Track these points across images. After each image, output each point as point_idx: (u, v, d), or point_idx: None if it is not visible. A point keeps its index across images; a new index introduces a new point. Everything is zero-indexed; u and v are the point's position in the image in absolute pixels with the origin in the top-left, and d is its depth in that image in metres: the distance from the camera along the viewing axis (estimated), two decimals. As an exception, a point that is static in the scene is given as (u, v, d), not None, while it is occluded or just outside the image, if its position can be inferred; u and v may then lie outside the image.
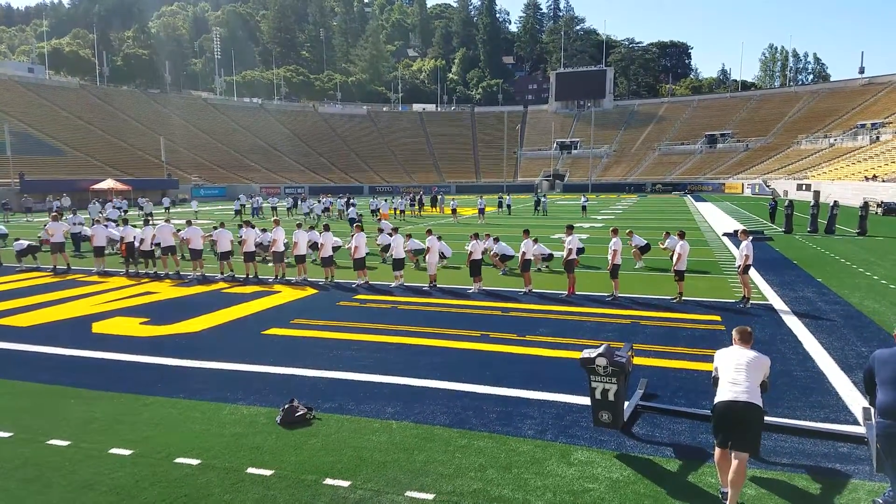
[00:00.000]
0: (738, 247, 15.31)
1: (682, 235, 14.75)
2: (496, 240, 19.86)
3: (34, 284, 17.49)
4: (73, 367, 9.75)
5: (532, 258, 17.18)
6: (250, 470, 6.25)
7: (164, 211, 48.80)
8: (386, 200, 45.44)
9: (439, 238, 20.49)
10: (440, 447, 6.76)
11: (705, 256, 21.48)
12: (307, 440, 6.95)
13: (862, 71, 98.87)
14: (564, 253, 15.23)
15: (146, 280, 18.07)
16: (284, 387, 8.67)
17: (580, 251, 19.73)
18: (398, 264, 16.88)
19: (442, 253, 20.19)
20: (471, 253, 15.94)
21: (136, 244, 19.16)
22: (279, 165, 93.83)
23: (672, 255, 15.24)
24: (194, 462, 6.43)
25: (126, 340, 11.36)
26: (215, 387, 8.74)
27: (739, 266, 13.88)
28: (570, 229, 15.54)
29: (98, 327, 12.33)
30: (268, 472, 6.19)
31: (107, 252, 20.98)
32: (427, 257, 16.69)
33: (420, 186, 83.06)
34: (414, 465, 6.35)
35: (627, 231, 20.49)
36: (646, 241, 20.51)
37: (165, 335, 11.72)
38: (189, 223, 19.01)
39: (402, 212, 44.05)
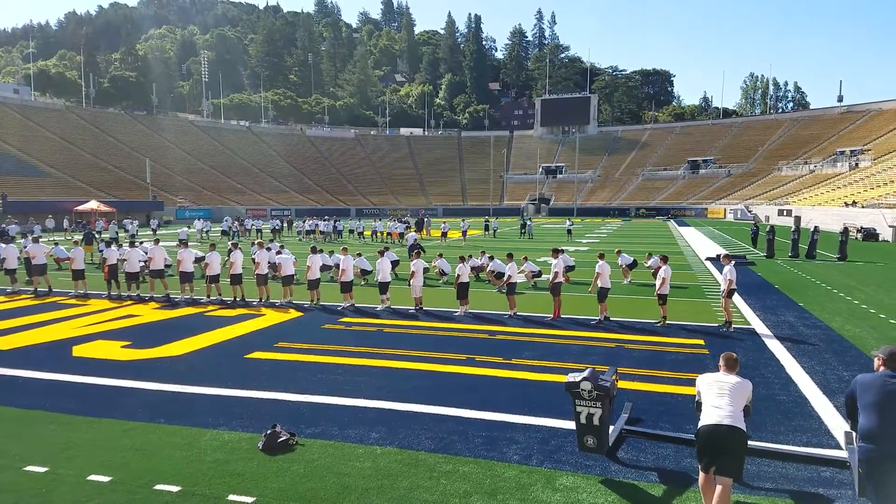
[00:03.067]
0: (720, 271, 15.45)
1: (664, 259, 14.86)
2: (490, 258, 20.18)
3: (14, 307, 17.24)
4: (53, 392, 9.58)
5: (522, 279, 17.51)
6: (231, 497, 6.16)
7: (151, 232, 48.57)
8: (402, 222, 45.81)
9: (440, 255, 21.18)
10: (425, 473, 6.70)
11: (689, 281, 21.63)
12: (289, 466, 6.86)
13: (840, 99, 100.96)
14: (551, 276, 15.30)
15: (129, 303, 17.88)
16: (267, 412, 8.57)
17: (570, 268, 20.17)
18: (383, 287, 16.83)
19: (442, 270, 20.70)
20: (458, 276, 15.96)
21: (120, 266, 19.00)
22: (266, 187, 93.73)
23: (655, 276, 15.34)
24: (174, 489, 6.32)
25: (107, 364, 11.19)
26: (196, 412, 8.63)
27: (724, 290, 13.99)
28: (556, 252, 15.66)
29: (78, 351, 12.15)
30: (249, 500, 6.10)
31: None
32: (411, 280, 16.65)
33: (407, 209, 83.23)
34: (398, 491, 6.28)
35: (616, 251, 21.10)
36: (633, 259, 21.26)
37: (147, 359, 11.57)
38: (185, 245, 18.93)
39: (402, 235, 43.52)
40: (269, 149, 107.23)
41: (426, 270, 21.30)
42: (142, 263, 19.47)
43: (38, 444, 7.53)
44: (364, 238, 43.93)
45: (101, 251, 21.83)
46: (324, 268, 21.76)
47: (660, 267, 14.63)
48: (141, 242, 24.99)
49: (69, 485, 6.43)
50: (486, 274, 20.10)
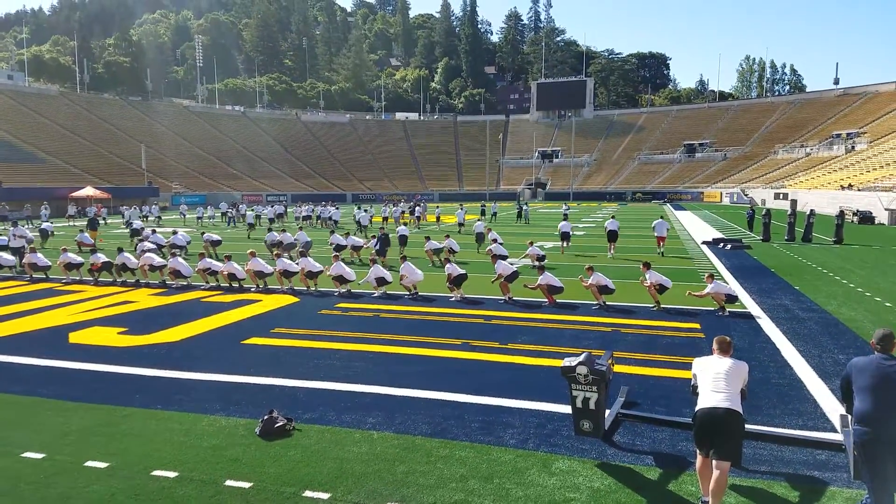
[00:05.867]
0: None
1: (647, 266, 14.84)
2: (494, 240, 20.37)
3: (9, 294, 17.19)
4: (50, 378, 9.58)
5: (527, 262, 19.14)
6: (229, 482, 6.17)
7: (154, 220, 48.23)
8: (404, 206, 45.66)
9: (447, 236, 21.92)
10: (421, 458, 6.72)
11: (685, 265, 21.64)
12: (287, 452, 6.88)
13: (837, 82, 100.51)
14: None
15: (125, 289, 17.84)
16: (264, 397, 8.59)
17: (567, 235, 21.55)
18: (380, 280, 16.61)
19: (451, 248, 21.14)
20: (449, 275, 15.89)
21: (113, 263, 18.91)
22: (262, 173, 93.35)
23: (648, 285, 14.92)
24: (172, 475, 6.34)
25: (103, 350, 11.19)
26: (194, 398, 8.64)
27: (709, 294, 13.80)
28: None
29: (75, 337, 12.14)
30: (246, 485, 6.12)
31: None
32: (402, 281, 16.43)
33: (403, 194, 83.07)
34: (395, 475, 6.31)
35: (611, 216, 22.72)
36: (615, 229, 22.07)
37: (144, 345, 11.57)
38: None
39: (419, 219, 42.95)
40: (264, 134, 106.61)
41: (438, 251, 21.48)
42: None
43: (35, 430, 7.53)
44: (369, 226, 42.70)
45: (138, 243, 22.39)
46: (338, 248, 22.17)
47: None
48: (141, 229, 25.02)
49: (66, 471, 6.44)
50: (486, 252, 20.31)
